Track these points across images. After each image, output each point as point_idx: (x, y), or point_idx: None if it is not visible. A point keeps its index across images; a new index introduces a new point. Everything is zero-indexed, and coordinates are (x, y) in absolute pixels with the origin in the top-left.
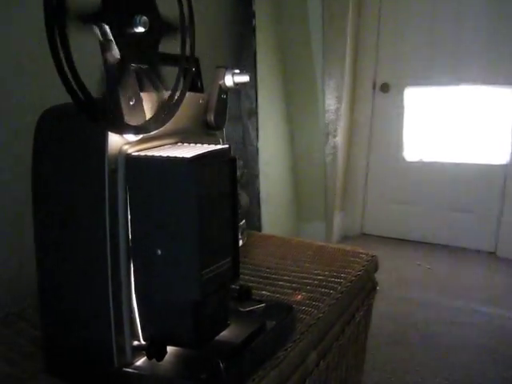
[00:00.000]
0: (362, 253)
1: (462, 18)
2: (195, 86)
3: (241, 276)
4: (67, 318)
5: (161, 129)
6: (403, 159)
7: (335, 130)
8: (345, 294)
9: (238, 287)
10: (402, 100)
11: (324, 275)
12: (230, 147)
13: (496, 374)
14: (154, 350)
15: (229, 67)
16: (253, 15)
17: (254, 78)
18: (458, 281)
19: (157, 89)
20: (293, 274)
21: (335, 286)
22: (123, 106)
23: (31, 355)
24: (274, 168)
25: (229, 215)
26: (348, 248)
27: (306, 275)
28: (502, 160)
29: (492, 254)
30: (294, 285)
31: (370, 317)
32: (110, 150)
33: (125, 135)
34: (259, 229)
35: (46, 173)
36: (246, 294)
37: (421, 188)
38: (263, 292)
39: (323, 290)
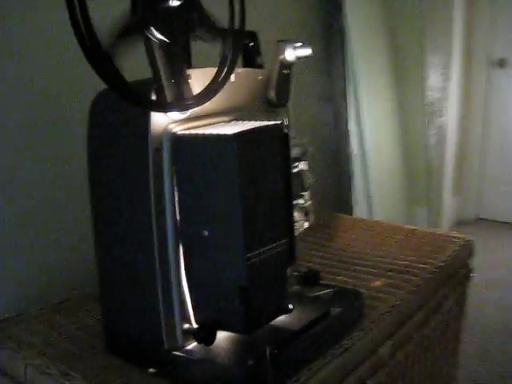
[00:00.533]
0: (455, 237)
1: None
2: (253, 61)
3: (320, 260)
4: (122, 300)
5: (213, 106)
6: None
7: (441, 110)
8: (429, 281)
9: (305, 271)
10: None
11: (409, 260)
12: (283, 123)
13: None
14: (203, 335)
15: (290, 41)
16: None
17: (341, 56)
18: None
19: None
20: (376, 259)
21: (418, 272)
22: (165, 84)
23: (97, 335)
24: (377, 150)
25: (281, 195)
26: (440, 232)
27: (389, 260)
28: None
29: None
30: (374, 270)
31: (463, 306)
32: (154, 129)
33: (170, 114)
34: (350, 212)
35: (99, 156)
36: (313, 279)
37: None
38: (339, 277)
39: (405, 276)
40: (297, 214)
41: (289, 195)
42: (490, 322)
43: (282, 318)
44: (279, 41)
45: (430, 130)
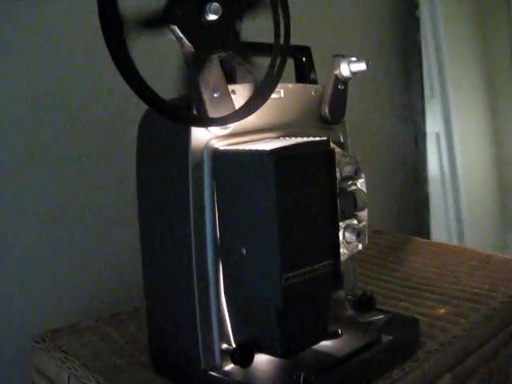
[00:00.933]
0: None
1: None
2: (306, 76)
3: (385, 285)
4: (164, 317)
5: (259, 122)
6: None
7: None
8: (499, 311)
9: (359, 295)
10: None
11: (479, 288)
12: (329, 139)
13: None
14: (239, 356)
15: (345, 55)
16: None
17: (419, 72)
18: None
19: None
20: (444, 285)
21: (489, 301)
22: (205, 98)
23: (146, 350)
24: (467, 169)
25: (325, 214)
26: None
27: (458, 287)
28: None
29: None
30: (441, 297)
31: None
32: (194, 145)
33: (212, 129)
34: (427, 235)
35: (146, 172)
36: (367, 303)
37: None
38: (402, 303)
39: (473, 305)
40: (349, 235)
41: (334, 215)
42: None
43: (330, 343)
44: (335, 55)
45: None
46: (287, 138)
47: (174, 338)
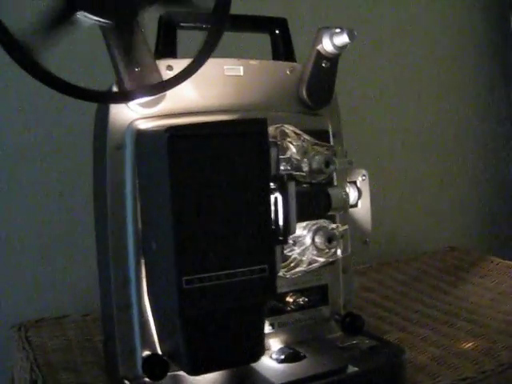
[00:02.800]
0: None
1: None
2: (282, 53)
3: (425, 309)
4: (101, 314)
5: (208, 103)
6: None
7: None
8: None
9: (342, 314)
10: None
11: None
12: (264, 120)
13: None
14: (147, 368)
15: (330, 27)
16: None
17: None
18: None
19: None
20: (495, 315)
21: None
22: (123, 72)
23: None
24: None
25: (252, 208)
26: None
27: (510, 319)
28: None
29: None
30: (479, 329)
31: None
32: (114, 125)
33: (135, 108)
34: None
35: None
36: (351, 326)
37: None
38: (422, 330)
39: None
40: (318, 240)
41: (264, 210)
42: None
43: (281, 366)
44: (320, 28)
45: None
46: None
47: (106, 339)
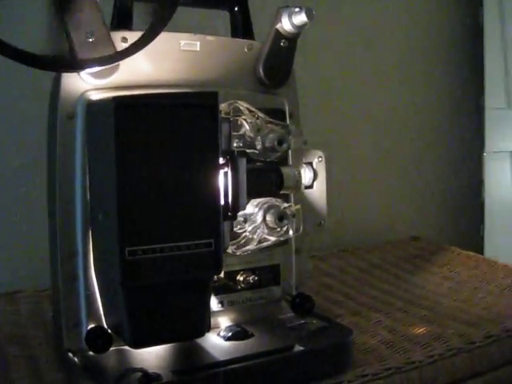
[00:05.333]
0: None
1: None
2: (241, 30)
3: (382, 295)
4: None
5: (163, 76)
6: None
7: None
8: (496, 341)
9: (294, 295)
10: None
11: (491, 311)
12: (215, 94)
13: None
14: (91, 339)
15: (289, 6)
16: None
17: (480, 53)
18: None
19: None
20: (450, 303)
21: (489, 326)
22: (75, 42)
23: None
24: None
25: (199, 182)
26: None
27: (465, 307)
28: None
29: None
30: (434, 315)
31: None
32: (65, 95)
33: (87, 79)
34: (479, 249)
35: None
36: (301, 306)
37: None
38: (377, 315)
39: (465, 328)
40: (269, 219)
41: (213, 185)
42: None
43: (227, 344)
44: (280, 7)
45: None
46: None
47: (54, 312)
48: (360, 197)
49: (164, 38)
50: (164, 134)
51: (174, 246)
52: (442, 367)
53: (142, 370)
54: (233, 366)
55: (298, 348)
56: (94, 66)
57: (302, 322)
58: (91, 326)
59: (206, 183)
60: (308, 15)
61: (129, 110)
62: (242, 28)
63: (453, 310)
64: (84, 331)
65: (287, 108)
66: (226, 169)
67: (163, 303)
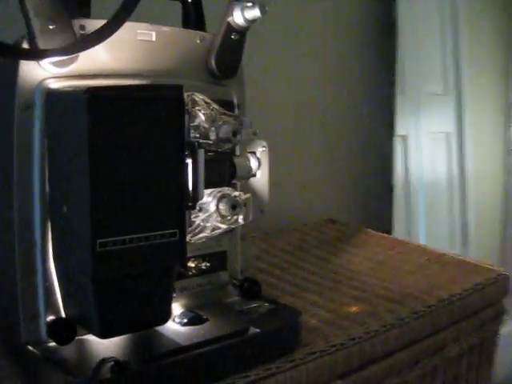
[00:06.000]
0: (486, 268)
1: None
2: (193, 21)
3: (308, 276)
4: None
5: (120, 66)
6: None
7: None
8: (421, 316)
9: (241, 280)
10: None
11: (412, 288)
12: (180, 87)
13: None
14: (53, 332)
15: (241, 1)
16: None
17: (393, 46)
18: None
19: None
20: (374, 281)
21: (413, 302)
22: (36, 29)
23: None
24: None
25: (165, 173)
26: (472, 261)
27: (388, 285)
28: None
29: None
30: (362, 294)
31: (489, 357)
32: (23, 83)
33: (47, 67)
34: (388, 230)
35: None
36: (249, 290)
37: None
38: (311, 296)
39: (393, 305)
40: (223, 207)
41: (178, 175)
42: None
43: (185, 329)
44: (231, 0)
45: None
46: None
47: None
48: (278, 181)
49: (121, 28)
50: (133, 127)
51: (142, 237)
52: (377, 342)
53: (114, 359)
54: (199, 351)
55: (254, 330)
56: (58, 56)
57: (254, 305)
58: (51, 317)
59: (172, 175)
60: (262, 11)
61: (101, 103)
62: (194, 19)
63: (379, 288)
64: (42, 323)
65: (235, 99)
66: (186, 160)
67: (130, 293)
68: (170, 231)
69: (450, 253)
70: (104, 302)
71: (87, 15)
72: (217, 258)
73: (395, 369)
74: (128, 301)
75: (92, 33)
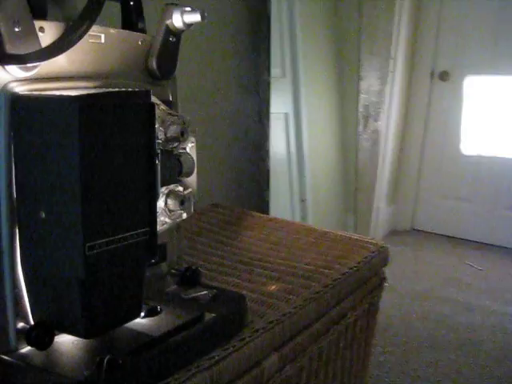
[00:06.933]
0: (369, 242)
1: None
2: (133, 24)
3: (217, 259)
4: None
5: (73, 68)
6: (460, 152)
7: (377, 114)
8: (332, 288)
9: (183, 269)
10: (461, 89)
11: (314, 265)
12: (149, 92)
13: None
14: (34, 336)
15: (179, 4)
16: None
17: (267, 49)
18: None
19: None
20: (278, 261)
21: (322, 277)
22: (3, 31)
23: None
24: (315, 151)
25: (140, 176)
26: (355, 237)
27: (292, 263)
28: None
29: None
30: (273, 273)
31: (374, 317)
32: None
33: (11, 70)
34: (266, 212)
35: None
36: (192, 278)
37: (478, 184)
38: (232, 279)
39: (305, 281)
40: (171, 203)
41: (151, 177)
42: (415, 334)
43: (146, 322)
44: (167, 4)
45: (364, 133)
46: (104, 89)
47: None
48: None
49: None
50: (115, 132)
51: (121, 238)
52: (302, 315)
53: (109, 356)
54: (173, 339)
55: (209, 315)
56: (26, 63)
57: (204, 292)
58: (20, 324)
59: (145, 176)
60: (202, 16)
61: (90, 111)
62: (134, 21)
63: (285, 267)
64: (11, 331)
65: (171, 98)
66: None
67: (110, 291)
68: (143, 230)
69: (332, 230)
70: (89, 303)
71: (44, 16)
72: (160, 251)
73: (313, 337)
74: (108, 299)
75: (62, 38)
